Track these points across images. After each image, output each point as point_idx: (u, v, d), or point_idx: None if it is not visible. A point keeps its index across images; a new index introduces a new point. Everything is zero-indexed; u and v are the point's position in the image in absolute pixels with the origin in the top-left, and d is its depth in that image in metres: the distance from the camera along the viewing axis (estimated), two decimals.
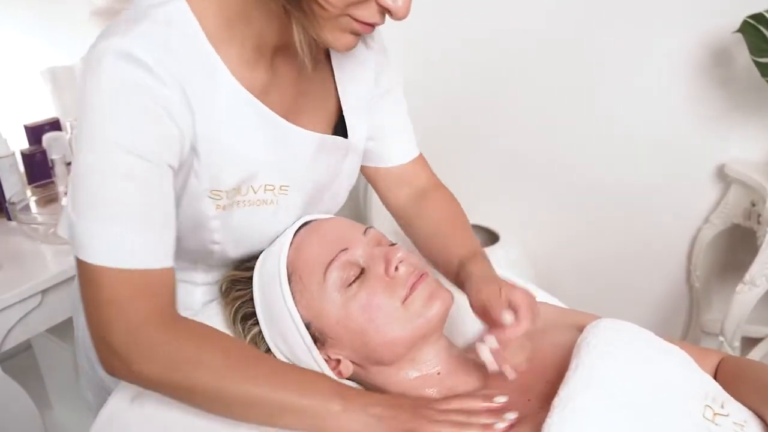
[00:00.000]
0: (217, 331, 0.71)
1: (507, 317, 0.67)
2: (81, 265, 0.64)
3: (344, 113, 0.86)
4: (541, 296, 0.98)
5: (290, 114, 0.77)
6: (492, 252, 1.94)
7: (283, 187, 0.79)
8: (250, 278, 0.80)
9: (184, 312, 0.86)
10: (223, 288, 0.83)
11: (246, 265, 0.83)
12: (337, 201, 0.92)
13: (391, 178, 0.96)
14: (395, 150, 0.95)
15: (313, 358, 0.74)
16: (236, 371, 0.66)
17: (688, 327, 1.95)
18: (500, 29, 1.92)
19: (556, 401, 0.60)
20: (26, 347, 1.85)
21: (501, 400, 0.66)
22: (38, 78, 1.83)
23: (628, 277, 1.98)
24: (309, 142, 0.80)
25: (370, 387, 0.78)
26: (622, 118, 1.81)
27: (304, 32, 0.66)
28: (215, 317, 0.84)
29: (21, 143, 1.68)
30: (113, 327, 0.64)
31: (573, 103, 1.87)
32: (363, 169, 0.97)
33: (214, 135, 0.70)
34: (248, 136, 0.73)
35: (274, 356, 0.77)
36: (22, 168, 1.63)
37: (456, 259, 0.83)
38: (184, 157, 0.69)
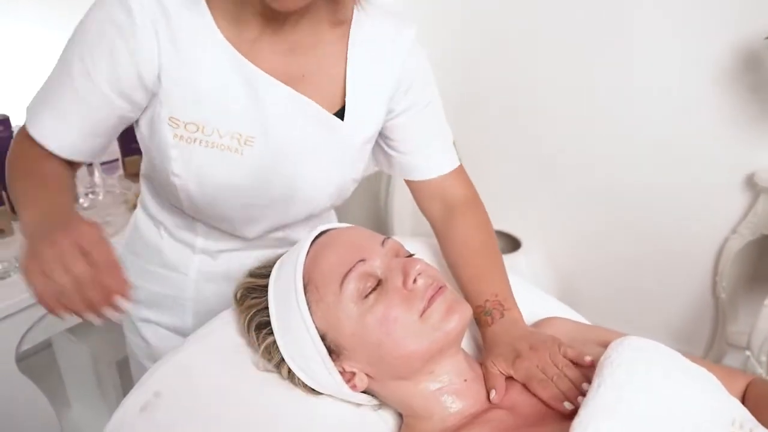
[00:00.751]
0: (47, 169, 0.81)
1: (492, 394, 0.73)
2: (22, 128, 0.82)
3: (347, 98, 0.84)
4: (564, 311, 0.95)
5: (283, 75, 0.80)
6: (513, 258, 1.94)
7: (249, 139, 0.80)
8: (266, 286, 0.79)
9: (177, 275, 1.00)
10: (238, 295, 0.82)
11: (262, 272, 0.82)
12: (323, 185, 0.89)
13: (424, 190, 0.96)
14: (427, 164, 0.94)
15: (327, 370, 0.73)
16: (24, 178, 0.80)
17: (712, 339, 1.91)
18: (530, 31, 1.91)
19: (576, 422, 0.57)
20: (46, 346, 1.86)
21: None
22: None
23: (652, 286, 1.95)
24: (279, 92, 0.80)
25: (385, 400, 0.76)
26: (649, 124, 1.79)
27: None
28: (229, 325, 0.83)
29: None
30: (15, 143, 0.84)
31: (599, 109, 1.86)
32: (406, 182, 0.98)
33: (183, 68, 0.77)
34: (219, 80, 0.78)
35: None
36: None
37: (479, 299, 0.85)
38: (148, 92, 0.79)
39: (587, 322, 0.90)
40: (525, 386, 0.73)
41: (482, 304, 0.84)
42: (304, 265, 0.75)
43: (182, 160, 0.81)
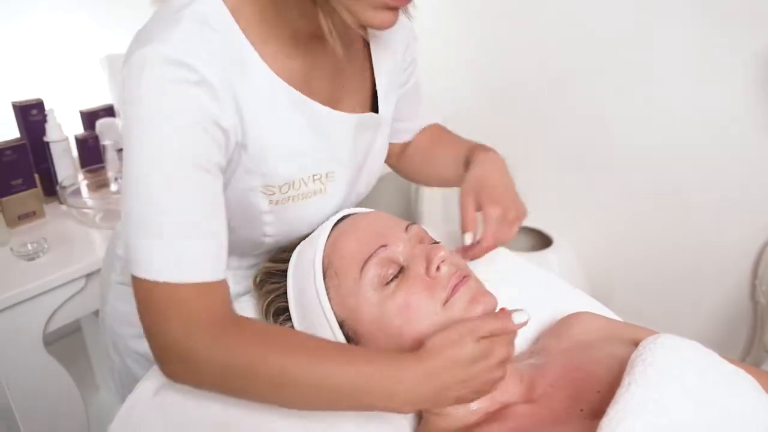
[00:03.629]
0: (277, 330, 0.68)
1: (466, 238, 0.78)
2: (138, 281, 0.61)
3: (377, 90, 0.84)
4: (595, 307, 0.92)
5: (332, 100, 0.76)
6: (544, 256, 1.91)
7: (329, 174, 0.78)
8: (286, 271, 0.77)
9: None
10: (258, 280, 0.81)
11: (282, 256, 0.80)
12: (372, 178, 0.92)
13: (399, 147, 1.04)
14: (410, 128, 1.03)
15: None
16: (299, 359, 0.61)
17: (750, 345, 1.85)
18: (563, 23, 1.86)
19: (605, 421, 0.54)
20: (75, 329, 1.88)
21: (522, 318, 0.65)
22: (97, 65, 1.86)
23: (686, 288, 1.89)
24: (349, 125, 0.79)
25: None
26: (687, 122, 1.73)
27: (331, 18, 0.63)
28: (248, 311, 0.82)
29: (76, 128, 1.71)
30: (170, 335, 0.61)
31: (633, 106, 1.80)
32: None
33: (261, 131, 0.68)
34: (292, 128, 0.72)
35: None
36: (75, 153, 1.66)
37: (460, 158, 0.92)
38: (229, 154, 0.67)
39: (618, 319, 0.86)
40: (557, 379, 0.70)
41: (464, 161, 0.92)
42: (324, 250, 0.73)
43: (276, 221, 0.77)
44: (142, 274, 0.60)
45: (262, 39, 0.68)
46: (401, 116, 0.98)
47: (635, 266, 1.97)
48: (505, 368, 0.65)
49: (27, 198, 1.46)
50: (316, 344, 0.64)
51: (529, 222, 2.03)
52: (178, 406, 0.70)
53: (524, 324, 0.64)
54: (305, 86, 0.72)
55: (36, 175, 1.51)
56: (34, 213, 1.48)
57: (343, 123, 0.77)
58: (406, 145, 1.04)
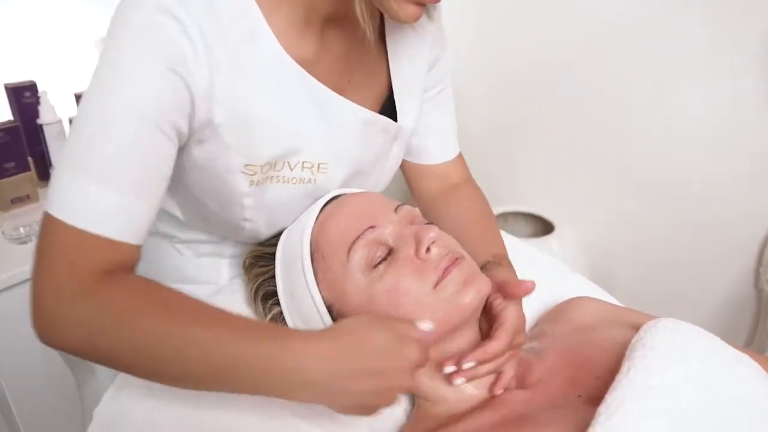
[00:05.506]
0: (169, 293, 0.59)
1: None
2: (45, 216, 0.57)
3: (395, 95, 0.80)
4: (596, 292, 0.90)
5: (338, 88, 0.72)
6: (546, 242, 1.90)
7: (322, 166, 0.73)
8: (274, 254, 0.75)
9: (207, 287, 0.84)
10: (246, 263, 0.78)
11: (271, 240, 0.78)
12: (377, 189, 0.87)
13: (426, 172, 0.93)
14: (438, 149, 0.92)
15: None
16: (175, 324, 0.55)
17: (753, 334, 1.83)
18: (567, 8, 1.84)
19: (603, 408, 0.52)
20: None
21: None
22: (92, 47, 1.84)
23: (689, 275, 1.88)
24: (356, 117, 0.74)
25: None
26: (691, 107, 1.71)
27: (366, 0, 0.61)
28: (237, 293, 0.79)
29: (71, 111, 1.68)
30: (50, 280, 0.55)
31: (636, 91, 1.78)
32: (403, 162, 0.93)
33: (251, 105, 0.65)
34: (288, 104, 0.68)
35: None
36: None
37: (480, 259, 0.77)
38: (199, 123, 0.63)
39: (619, 304, 0.84)
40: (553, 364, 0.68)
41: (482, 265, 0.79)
42: (312, 232, 0.70)
43: (256, 205, 0.72)
44: (51, 208, 0.57)
45: (274, 12, 0.65)
46: (421, 131, 0.90)
47: (637, 253, 1.95)
48: (414, 377, 0.58)
49: (20, 181, 1.44)
50: (206, 312, 0.57)
51: (530, 208, 2.05)
52: (164, 391, 0.67)
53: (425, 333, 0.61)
54: (311, 67, 0.68)
55: (30, 159, 1.49)
56: (27, 197, 1.46)
57: (348, 113, 0.73)
58: (447, 192, 0.92)
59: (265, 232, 0.78)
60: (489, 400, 0.66)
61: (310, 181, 0.73)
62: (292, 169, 0.71)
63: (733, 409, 0.53)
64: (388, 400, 0.58)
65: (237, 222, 0.74)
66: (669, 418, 0.50)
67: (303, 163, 0.71)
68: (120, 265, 0.58)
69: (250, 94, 0.64)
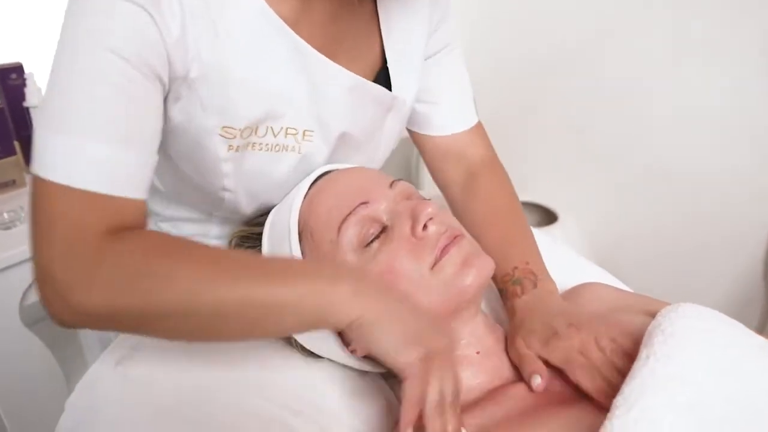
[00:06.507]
0: (184, 240, 0.57)
1: (536, 380, 0.59)
2: (34, 180, 0.53)
3: (388, 62, 0.74)
4: (607, 279, 0.85)
5: (326, 51, 0.66)
6: (549, 232, 1.87)
7: (307, 133, 0.68)
8: (261, 234, 0.69)
9: None
10: (233, 244, 0.73)
11: (258, 219, 0.72)
12: (373, 164, 0.81)
13: (441, 148, 0.85)
14: (449, 117, 0.84)
15: (323, 331, 0.63)
16: (212, 277, 0.52)
17: (762, 327, 1.80)
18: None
19: (620, 400, 0.47)
20: None
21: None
22: None
23: (696, 267, 1.84)
24: (344, 81, 0.68)
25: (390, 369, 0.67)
26: (697, 95, 1.68)
27: None
28: None
29: None
30: (55, 248, 0.51)
31: (640, 80, 1.75)
32: (412, 135, 0.86)
33: (227, 61, 0.60)
34: (269, 62, 0.62)
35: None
36: None
37: (508, 269, 0.72)
38: (175, 75, 0.59)
39: (630, 290, 0.79)
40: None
41: (510, 272, 0.71)
42: (300, 209, 0.65)
43: (235, 173, 0.67)
44: (40, 171, 0.52)
45: None
46: (430, 98, 0.83)
47: (643, 244, 1.92)
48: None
49: (6, 166, 1.39)
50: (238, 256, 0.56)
51: (534, 198, 2.02)
52: (143, 377, 0.63)
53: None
54: (296, 27, 0.63)
55: (16, 143, 1.44)
56: (14, 182, 1.41)
57: (334, 76, 0.68)
58: (469, 181, 0.85)
59: (247, 205, 0.72)
60: (491, 393, 0.61)
61: (294, 149, 0.68)
62: (275, 136, 0.66)
63: (762, 402, 0.48)
64: (440, 342, 0.54)
65: (216, 191, 0.69)
66: (697, 412, 0.45)
67: (287, 129, 0.66)
68: (124, 223, 0.54)
69: (226, 48, 0.59)
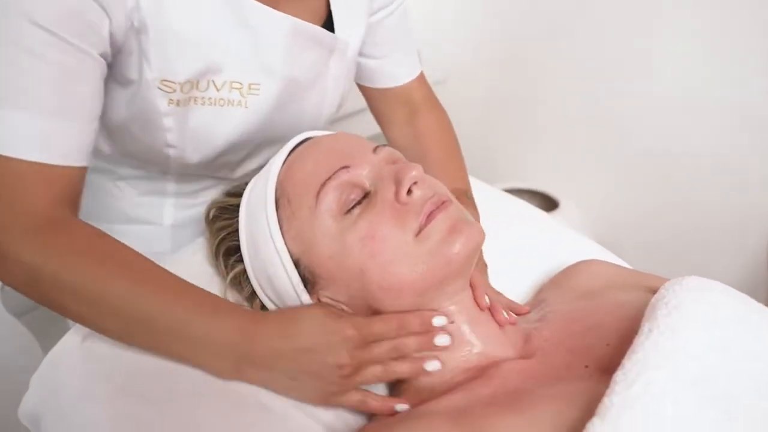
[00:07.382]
0: (113, 244, 0.59)
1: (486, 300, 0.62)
2: None
3: (332, 7, 0.74)
4: (607, 256, 0.82)
5: (265, 2, 0.67)
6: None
7: (252, 86, 0.69)
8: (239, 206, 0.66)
9: (150, 228, 0.84)
10: (210, 216, 0.69)
11: (238, 189, 0.69)
12: (323, 109, 0.81)
13: (387, 96, 0.91)
14: (396, 70, 0.90)
15: (300, 304, 0.59)
16: (117, 281, 0.55)
17: None
18: None
19: (620, 375, 0.43)
20: None
21: (439, 321, 0.57)
22: None
23: (699, 257, 1.83)
24: (281, 26, 0.68)
25: None
26: (698, 84, 1.66)
27: None
28: (198, 254, 0.71)
29: None
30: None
31: (641, 64, 1.74)
32: (360, 88, 0.92)
33: (166, 12, 0.61)
34: (205, 12, 0.63)
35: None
36: None
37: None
38: (120, 38, 0.60)
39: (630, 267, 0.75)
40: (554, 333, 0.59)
41: None
42: (278, 176, 0.61)
43: (178, 128, 0.68)
44: None
45: None
46: (378, 52, 0.86)
47: (644, 231, 1.91)
48: (353, 352, 0.55)
49: None
50: (151, 269, 0.58)
51: (535, 185, 2.00)
52: (109, 352, 0.61)
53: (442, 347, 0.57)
54: None
55: None
56: None
57: (271, 21, 0.67)
58: (411, 118, 0.91)
59: (195, 161, 0.73)
60: (479, 371, 0.57)
61: (240, 103, 0.69)
62: (218, 90, 0.67)
63: None
64: (338, 384, 0.56)
65: (160, 148, 0.71)
66: (701, 388, 0.41)
67: (231, 83, 0.67)
68: (65, 192, 0.58)
69: (163, 2, 0.60)
